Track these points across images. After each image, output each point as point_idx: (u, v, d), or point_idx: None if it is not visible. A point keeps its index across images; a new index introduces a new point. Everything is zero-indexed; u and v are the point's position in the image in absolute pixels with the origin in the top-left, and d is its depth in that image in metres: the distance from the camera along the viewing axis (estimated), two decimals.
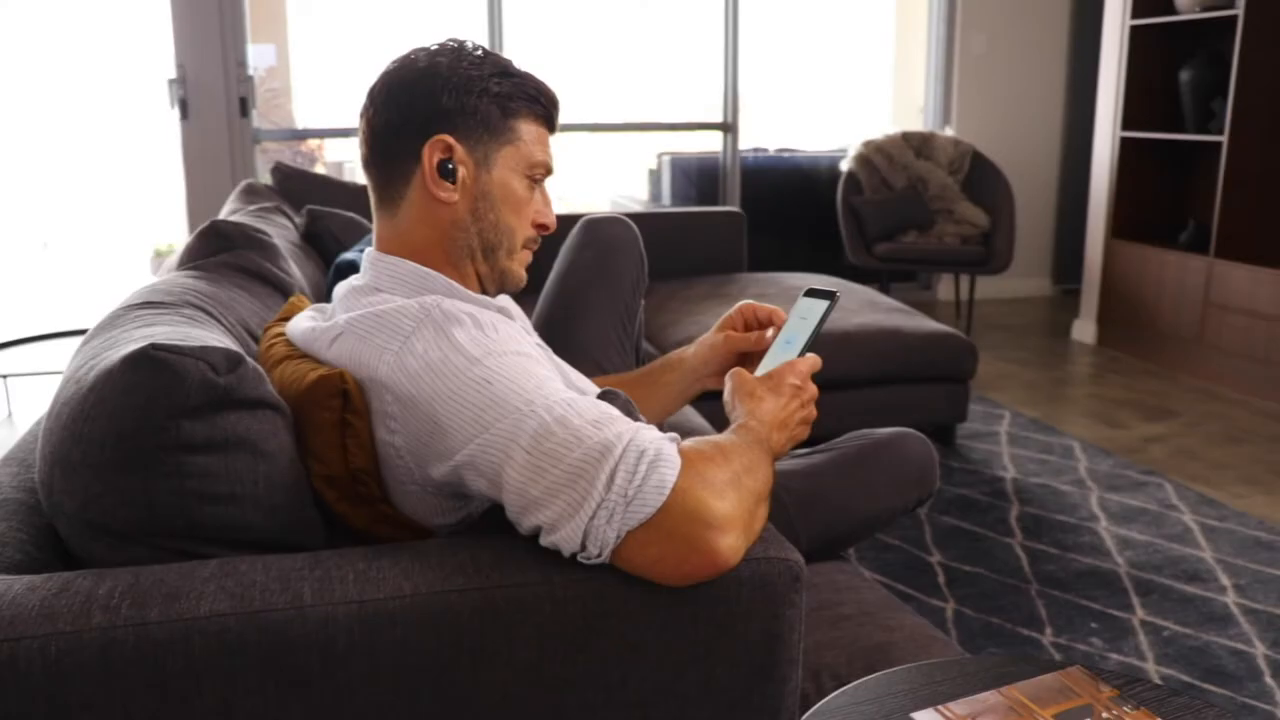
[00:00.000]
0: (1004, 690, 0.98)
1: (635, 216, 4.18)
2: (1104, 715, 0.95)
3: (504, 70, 1.13)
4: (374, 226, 1.18)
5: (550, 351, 1.25)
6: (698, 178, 5.82)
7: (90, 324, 3.60)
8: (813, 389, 1.16)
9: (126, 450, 0.89)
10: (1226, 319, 4.06)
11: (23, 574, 0.89)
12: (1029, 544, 2.59)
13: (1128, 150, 4.60)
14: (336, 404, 1.02)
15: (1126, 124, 4.57)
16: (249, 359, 0.97)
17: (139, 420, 0.89)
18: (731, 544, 0.88)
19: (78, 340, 3.59)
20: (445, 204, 1.13)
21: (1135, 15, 4.48)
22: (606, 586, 0.89)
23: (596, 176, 7.01)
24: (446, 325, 1.00)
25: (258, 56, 5.10)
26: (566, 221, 2.04)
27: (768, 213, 5.81)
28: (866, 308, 3.40)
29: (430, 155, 1.11)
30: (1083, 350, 4.70)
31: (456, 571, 0.89)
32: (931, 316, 5.38)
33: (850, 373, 3.11)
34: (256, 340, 1.35)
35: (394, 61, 1.14)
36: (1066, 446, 3.32)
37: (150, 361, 0.89)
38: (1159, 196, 4.69)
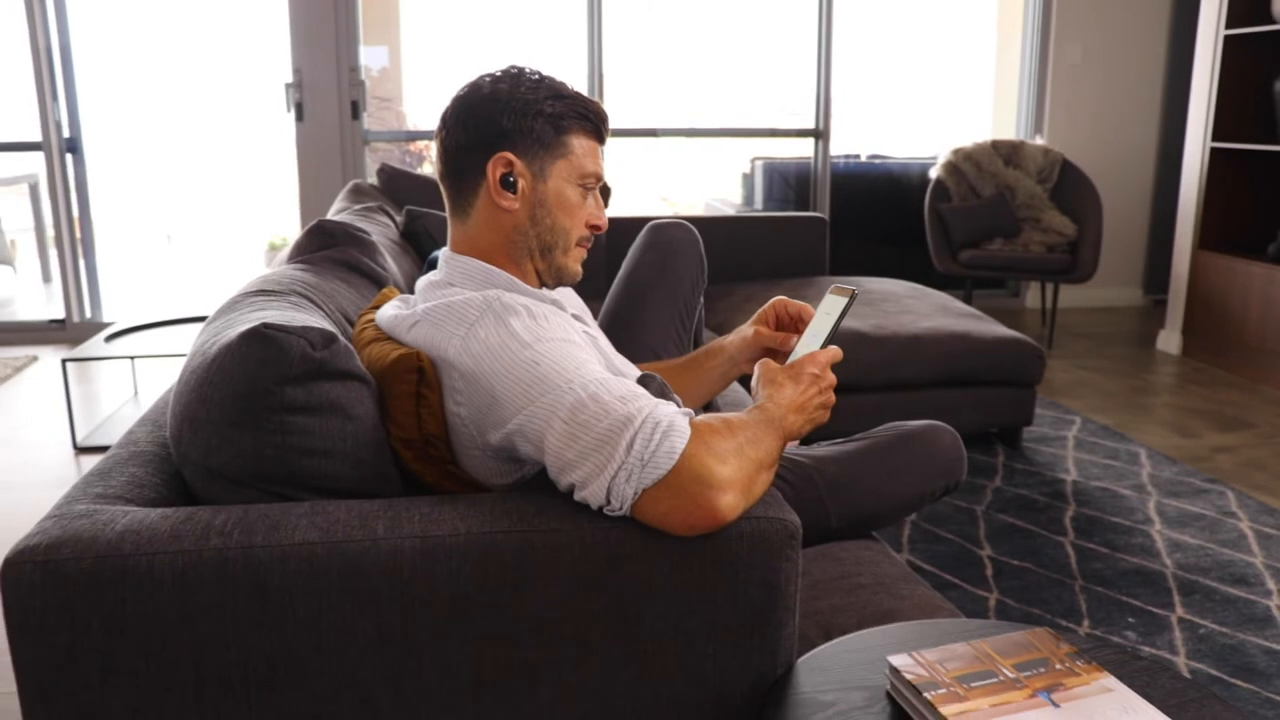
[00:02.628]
0: (973, 643, 1.13)
1: (724, 220, 4.37)
2: (1057, 666, 1.08)
3: (557, 93, 1.31)
4: (449, 230, 1.38)
5: (597, 338, 1.43)
6: (789, 182, 5.96)
7: (208, 310, 3.90)
8: (831, 377, 1.30)
9: (240, 410, 1.09)
10: None
11: (157, 507, 1.10)
12: (1080, 543, 2.68)
13: (1218, 161, 4.60)
14: (413, 379, 1.21)
15: (1218, 134, 4.56)
16: (341, 338, 1.17)
17: (251, 385, 1.09)
18: (730, 502, 1.04)
19: (197, 326, 3.90)
20: (508, 211, 1.31)
21: (1230, 25, 4.48)
22: (627, 535, 1.06)
23: (693, 179, 7.18)
24: (505, 315, 1.19)
25: (371, 58, 5.38)
26: (635, 225, 2.23)
27: (858, 218, 5.92)
28: (938, 312, 3.51)
29: (494, 170, 1.29)
30: (1166, 360, 4.71)
31: (504, 517, 1.07)
32: (1017, 323, 5.45)
33: (918, 374, 3.23)
34: (352, 324, 1.55)
35: (463, 88, 1.33)
36: (1133, 453, 3.38)
37: (261, 338, 1.09)
38: (1250, 208, 4.68)
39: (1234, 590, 2.44)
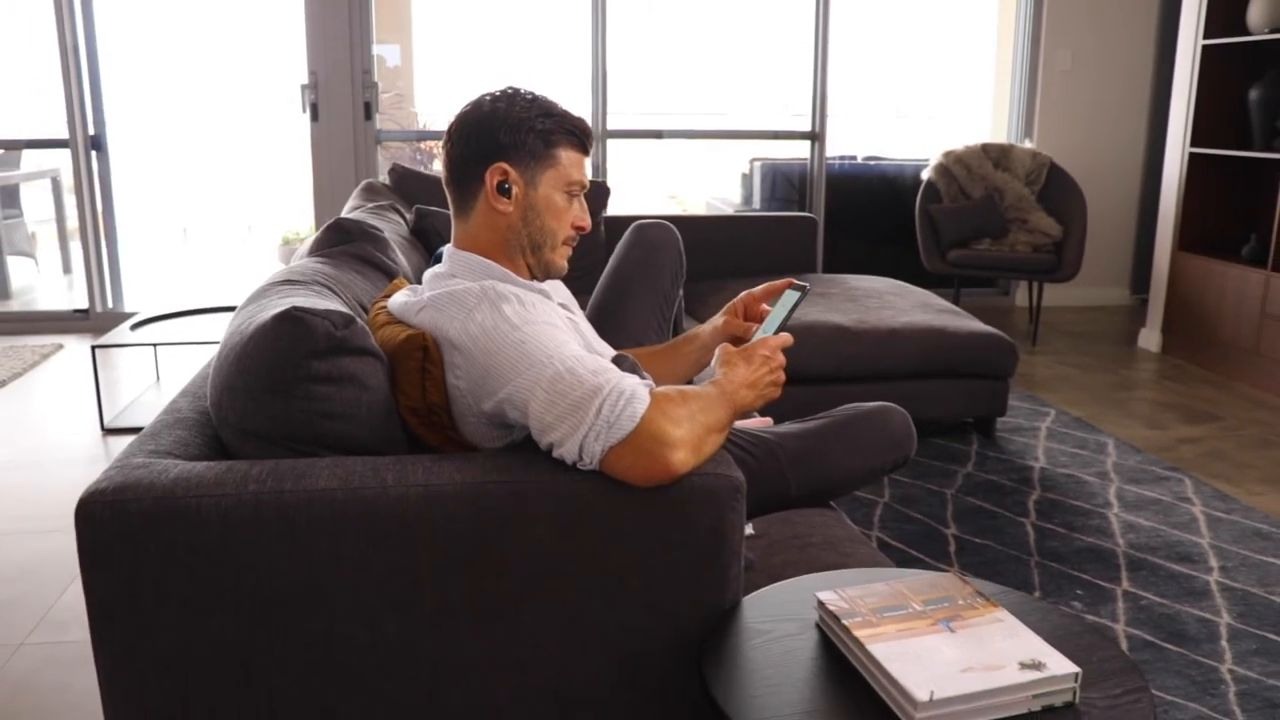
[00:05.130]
0: (891, 583, 1.33)
1: (720, 219, 4.57)
2: (960, 602, 1.28)
3: (547, 111, 1.51)
4: (452, 228, 1.58)
5: (579, 323, 1.63)
6: (786, 183, 6.15)
7: (224, 301, 4.12)
8: (780, 359, 1.50)
9: (273, 380, 1.29)
10: None
11: (202, 461, 1.31)
12: (1040, 524, 2.88)
13: (1196, 166, 4.78)
14: (419, 356, 1.41)
15: (1195, 140, 4.75)
16: (359, 320, 1.37)
17: (283, 359, 1.29)
18: (682, 459, 1.24)
19: (215, 315, 4.11)
20: (503, 214, 1.52)
21: (1208, 35, 4.66)
22: (597, 487, 1.26)
23: (695, 179, 7.40)
24: (498, 302, 1.39)
25: (383, 56, 5.59)
26: (624, 223, 2.43)
27: (855, 218, 6.12)
28: (918, 308, 3.70)
29: (491, 179, 1.50)
30: (1146, 358, 4.89)
31: (494, 470, 1.28)
32: (1006, 320, 5.63)
33: (896, 366, 3.43)
34: (366, 311, 1.75)
35: (466, 106, 1.53)
36: (1101, 443, 3.57)
37: (292, 319, 1.29)
38: (1226, 211, 4.86)
39: (1178, 567, 2.64)
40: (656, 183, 7.73)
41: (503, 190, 1.50)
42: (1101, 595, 2.48)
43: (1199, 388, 4.38)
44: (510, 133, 1.49)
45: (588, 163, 1.59)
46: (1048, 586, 2.51)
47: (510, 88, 1.54)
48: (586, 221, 1.59)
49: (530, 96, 1.53)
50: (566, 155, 1.53)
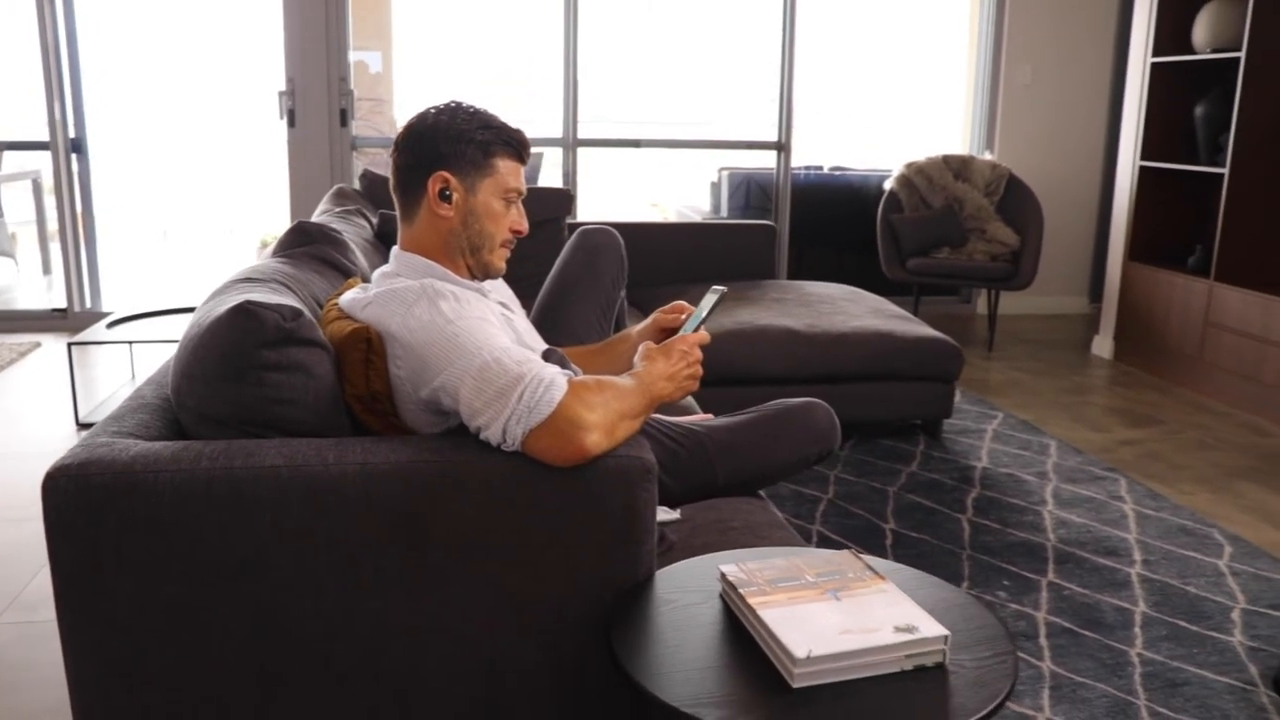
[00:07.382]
0: (790, 559, 1.45)
1: (681, 226, 4.71)
2: (850, 575, 1.41)
3: (486, 124, 1.64)
4: (398, 231, 1.70)
5: (514, 319, 1.75)
6: (760, 192, 6.29)
7: (200, 302, 4.22)
8: (697, 354, 1.63)
9: (227, 368, 1.42)
10: (1223, 338, 4.39)
11: (161, 441, 1.43)
12: (975, 519, 3.01)
13: (1145, 179, 4.95)
14: (363, 348, 1.53)
15: (1146, 154, 4.91)
16: (307, 313, 1.49)
17: (235, 348, 1.41)
18: (595, 440, 1.36)
19: (189, 315, 4.20)
20: (444, 219, 1.64)
21: (1156, 53, 4.83)
22: (520, 467, 1.39)
23: (670, 187, 7.55)
24: (436, 299, 1.51)
25: (365, 62, 5.72)
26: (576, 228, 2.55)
27: (820, 227, 6.26)
28: (870, 314, 3.84)
29: (433, 186, 1.62)
30: (1098, 364, 5.05)
31: (425, 451, 1.40)
32: (965, 327, 5.78)
33: (845, 368, 3.56)
34: (322, 307, 1.87)
35: (412, 118, 1.66)
36: (1044, 444, 3.72)
37: (245, 311, 1.41)
38: (1174, 223, 5.03)
39: (1103, 560, 2.78)
40: (633, 190, 7.87)
41: (444, 196, 1.63)
42: (1027, 586, 2.62)
43: (1145, 393, 4.53)
44: (451, 143, 1.61)
45: (534, 170, 1.72)
46: (976, 578, 2.65)
47: (453, 101, 1.67)
48: (523, 226, 1.72)
49: (471, 110, 1.65)
50: (504, 164, 1.66)
